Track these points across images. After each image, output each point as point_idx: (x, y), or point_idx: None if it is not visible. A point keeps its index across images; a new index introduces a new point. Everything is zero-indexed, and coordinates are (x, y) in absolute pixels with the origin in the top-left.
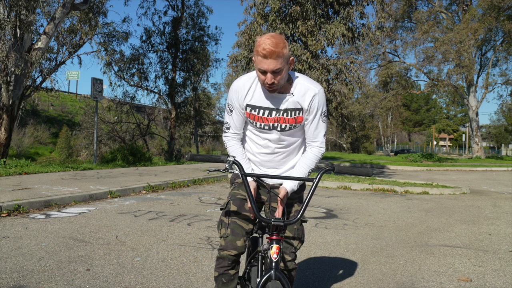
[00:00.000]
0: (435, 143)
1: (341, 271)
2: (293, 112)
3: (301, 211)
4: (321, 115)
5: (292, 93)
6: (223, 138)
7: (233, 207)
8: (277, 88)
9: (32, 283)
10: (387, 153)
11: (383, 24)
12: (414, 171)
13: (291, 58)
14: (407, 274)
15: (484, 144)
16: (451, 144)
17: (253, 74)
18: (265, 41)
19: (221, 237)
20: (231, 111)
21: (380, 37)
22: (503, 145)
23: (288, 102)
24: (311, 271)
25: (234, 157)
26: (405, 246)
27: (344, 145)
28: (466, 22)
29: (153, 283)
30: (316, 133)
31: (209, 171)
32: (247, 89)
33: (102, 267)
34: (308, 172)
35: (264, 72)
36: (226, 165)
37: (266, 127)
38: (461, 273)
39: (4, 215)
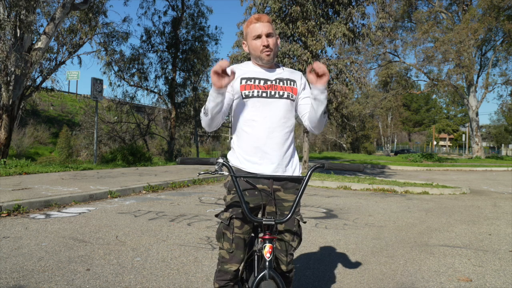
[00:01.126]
0: (435, 143)
1: (341, 271)
2: (288, 82)
3: (292, 209)
4: None
5: (282, 69)
6: (201, 115)
7: (236, 223)
8: (272, 55)
9: (32, 283)
10: (387, 153)
11: (383, 24)
12: (414, 171)
13: (277, 37)
14: (407, 274)
15: (484, 144)
16: (451, 144)
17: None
18: (254, 15)
19: (223, 249)
20: None
21: (381, 37)
22: (503, 145)
23: (280, 74)
24: (311, 271)
25: (223, 158)
26: (405, 246)
27: (344, 145)
28: (466, 22)
29: (153, 283)
30: None
31: (199, 173)
32: (238, 68)
33: (102, 267)
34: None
35: (259, 37)
36: (216, 167)
37: (264, 94)
38: (461, 273)
39: (4, 215)
